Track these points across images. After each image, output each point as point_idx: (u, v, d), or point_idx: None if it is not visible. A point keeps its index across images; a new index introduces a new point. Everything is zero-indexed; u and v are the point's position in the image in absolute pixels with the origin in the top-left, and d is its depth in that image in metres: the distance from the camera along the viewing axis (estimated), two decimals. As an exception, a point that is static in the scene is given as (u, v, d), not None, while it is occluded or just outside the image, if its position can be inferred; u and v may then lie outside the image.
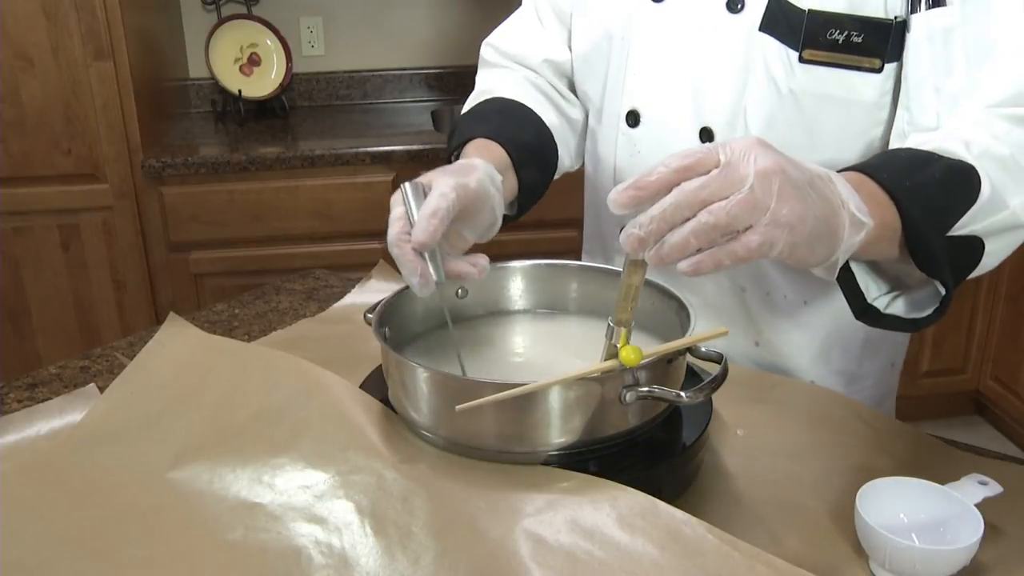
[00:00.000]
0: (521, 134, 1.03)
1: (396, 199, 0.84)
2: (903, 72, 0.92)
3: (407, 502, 0.77)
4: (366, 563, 0.73)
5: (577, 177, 1.23)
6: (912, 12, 0.89)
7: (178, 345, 1.02)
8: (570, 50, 1.16)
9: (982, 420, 2.92)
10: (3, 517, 0.81)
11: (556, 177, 1.14)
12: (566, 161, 1.16)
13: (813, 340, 1.07)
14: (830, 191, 0.70)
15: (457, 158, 1.00)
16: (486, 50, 1.21)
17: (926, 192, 0.77)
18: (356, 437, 0.84)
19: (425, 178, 0.86)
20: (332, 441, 0.84)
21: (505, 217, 0.98)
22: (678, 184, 0.66)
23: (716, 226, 0.64)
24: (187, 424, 0.91)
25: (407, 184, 0.84)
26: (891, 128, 0.96)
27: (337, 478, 0.81)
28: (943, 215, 0.78)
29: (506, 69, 1.19)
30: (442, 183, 0.83)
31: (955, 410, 2.90)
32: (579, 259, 1.22)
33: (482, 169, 0.89)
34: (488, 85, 1.16)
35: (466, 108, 1.13)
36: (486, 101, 1.11)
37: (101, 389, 1.00)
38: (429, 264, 0.80)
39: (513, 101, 1.10)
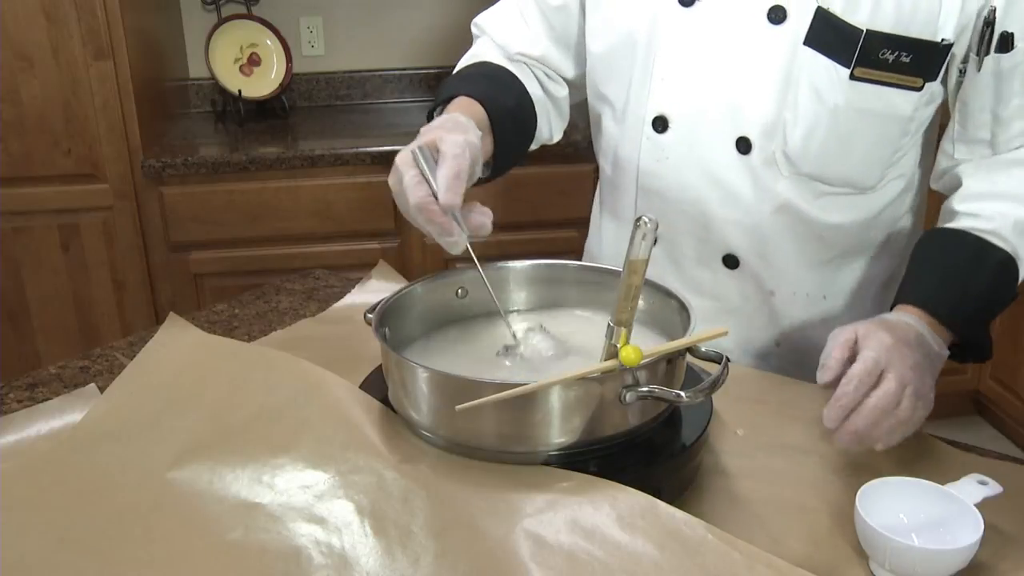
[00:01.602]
0: (503, 98, 1.06)
1: (406, 161, 0.87)
2: (960, 96, 0.98)
3: (407, 502, 0.77)
4: (366, 563, 0.73)
5: (577, 177, 1.23)
6: (985, 54, 0.95)
7: (178, 345, 1.02)
8: (555, 44, 1.16)
9: (982, 420, 2.92)
10: (3, 517, 0.81)
11: (534, 148, 1.17)
12: (544, 132, 1.19)
13: (830, 331, 1.08)
14: (937, 358, 0.88)
15: (438, 115, 1.01)
16: (474, 28, 1.23)
17: (977, 314, 0.93)
18: (356, 437, 0.84)
19: (426, 138, 0.88)
20: (332, 441, 0.84)
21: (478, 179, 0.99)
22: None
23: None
24: (187, 424, 0.91)
25: (417, 148, 0.86)
26: (916, 138, 1.02)
27: (337, 478, 0.81)
28: (989, 320, 0.96)
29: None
30: (451, 142, 0.86)
31: (955, 410, 2.90)
32: (580, 258, 1.22)
33: (471, 126, 0.92)
34: (479, 50, 1.18)
35: (457, 69, 1.15)
36: (473, 64, 1.15)
37: (101, 389, 1.00)
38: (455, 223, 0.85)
39: (499, 67, 1.13)
